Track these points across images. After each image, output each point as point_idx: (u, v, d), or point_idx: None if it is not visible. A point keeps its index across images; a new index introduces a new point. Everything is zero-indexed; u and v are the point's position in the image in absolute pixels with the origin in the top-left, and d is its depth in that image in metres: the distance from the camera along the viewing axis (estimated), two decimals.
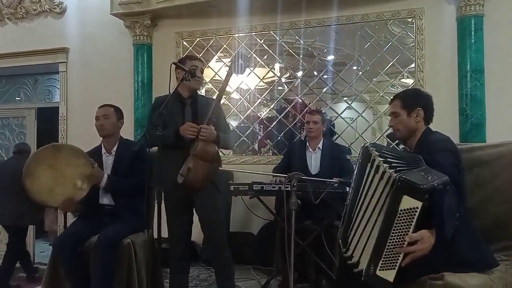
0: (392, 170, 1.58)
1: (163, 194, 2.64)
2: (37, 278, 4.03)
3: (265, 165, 4.12)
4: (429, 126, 2.06)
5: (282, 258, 3.33)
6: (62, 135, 4.74)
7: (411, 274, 1.70)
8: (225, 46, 4.42)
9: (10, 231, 4.00)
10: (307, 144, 3.55)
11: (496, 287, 1.67)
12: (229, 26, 4.37)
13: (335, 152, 3.49)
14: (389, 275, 1.57)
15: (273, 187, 3.06)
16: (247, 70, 4.37)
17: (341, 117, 4.15)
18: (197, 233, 2.74)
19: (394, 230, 1.54)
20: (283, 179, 3.09)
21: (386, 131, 4.02)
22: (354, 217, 1.78)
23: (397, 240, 1.54)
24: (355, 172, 1.92)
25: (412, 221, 1.52)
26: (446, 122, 3.57)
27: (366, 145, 1.88)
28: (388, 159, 1.67)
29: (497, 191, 2.04)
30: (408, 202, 1.51)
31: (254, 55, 4.34)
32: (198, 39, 4.48)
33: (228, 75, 2.55)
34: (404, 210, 1.52)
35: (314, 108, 3.98)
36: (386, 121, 3.85)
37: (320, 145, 3.50)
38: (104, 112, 2.81)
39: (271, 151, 4.33)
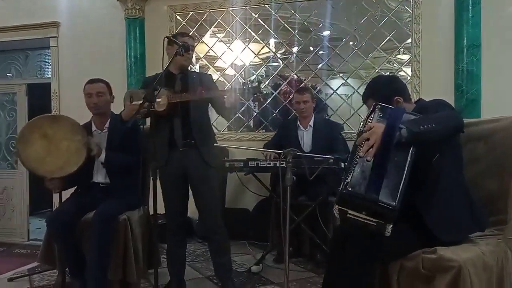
0: None
1: (158, 170, 2.63)
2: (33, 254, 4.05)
3: (261, 142, 4.10)
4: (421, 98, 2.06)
5: (277, 233, 3.38)
6: (55, 111, 4.69)
7: (405, 247, 1.74)
8: (219, 20, 4.33)
9: None
10: (298, 122, 3.53)
11: (488, 260, 1.70)
12: None
13: (328, 129, 3.48)
14: (348, 178, 1.62)
15: (268, 164, 3.07)
16: (242, 46, 4.32)
17: (336, 93, 4.13)
18: (193, 209, 2.75)
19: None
20: (273, 155, 3.12)
21: None
22: None
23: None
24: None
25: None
26: (441, 97, 3.50)
27: None
28: None
29: (490, 166, 2.05)
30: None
31: (249, 30, 4.26)
32: (191, 13, 4.39)
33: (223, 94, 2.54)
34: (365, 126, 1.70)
35: (303, 86, 3.94)
36: None
37: (311, 123, 3.49)
38: (98, 89, 2.73)
39: (265, 128, 4.31)
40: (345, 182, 1.61)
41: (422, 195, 1.77)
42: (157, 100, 2.39)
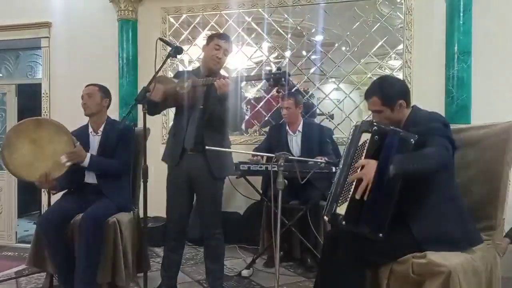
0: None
1: (167, 170, 2.62)
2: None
3: (252, 145, 4.11)
4: (415, 104, 2.06)
5: (268, 237, 3.37)
6: (45, 112, 4.64)
7: (396, 252, 1.74)
8: (212, 23, 4.34)
9: None
10: (287, 127, 3.53)
11: (478, 265, 1.71)
12: (217, 2, 4.28)
13: (317, 133, 3.48)
14: (342, 210, 1.77)
15: (259, 167, 3.06)
16: (235, 49, 4.31)
17: (328, 97, 4.14)
18: None
19: (352, 165, 1.79)
20: (259, 159, 3.12)
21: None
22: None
23: (352, 173, 1.79)
24: (344, 149, 1.93)
25: (363, 153, 1.78)
26: (432, 103, 3.57)
27: (357, 123, 1.89)
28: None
29: (480, 172, 2.07)
30: (364, 137, 1.81)
31: (242, 34, 4.27)
32: (185, 15, 4.39)
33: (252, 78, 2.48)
34: (360, 145, 1.81)
35: (288, 92, 3.94)
36: None
37: (300, 128, 3.49)
38: (88, 91, 2.80)
39: (258, 132, 4.32)
40: (340, 216, 1.76)
41: (411, 208, 1.78)
42: (182, 84, 2.44)
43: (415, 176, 1.71)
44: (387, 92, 1.93)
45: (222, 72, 2.69)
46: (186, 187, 2.57)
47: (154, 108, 2.50)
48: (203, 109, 2.48)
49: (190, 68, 4.37)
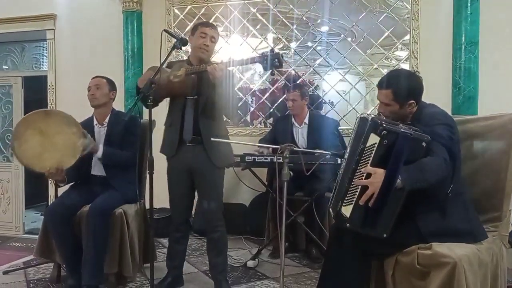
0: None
1: (167, 162, 2.62)
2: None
3: (258, 137, 4.10)
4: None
5: (273, 228, 3.39)
6: (51, 104, 4.66)
7: (401, 243, 1.74)
8: (217, 14, 4.32)
9: None
10: (293, 119, 3.52)
11: (483, 257, 1.71)
12: None
13: (323, 126, 3.46)
14: (347, 211, 1.77)
15: (265, 159, 3.06)
16: (240, 40, 4.30)
17: (334, 89, 4.12)
18: None
19: (359, 167, 1.75)
20: (266, 151, 3.12)
21: (378, 104, 4.00)
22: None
23: (358, 176, 1.76)
24: (350, 141, 1.92)
25: (371, 156, 1.73)
26: (439, 94, 3.57)
27: (363, 116, 1.86)
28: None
29: (487, 163, 2.06)
30: (372, 139, 1.73)
31: (247, 25, 4.25)
32: (190, 6, 4.37)
33: (243, 62, 2.41)
34: (368, 146, 1.74)
35: (293, 84, 3.93)
36: None
37: (306, 120, 3.48)
38: (96, 83, 2.80)
39: (263, 123, 4.31)
40: (345, 217, 1.77)
41: (417, 202, 1.77)
42: (175, 72, 2.40)
43: (419, 190, 1.71)
44: (402, 89, 1.89)
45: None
46: (187, 178, 2.56)
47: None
48: (198, 97, 2.47)
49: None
